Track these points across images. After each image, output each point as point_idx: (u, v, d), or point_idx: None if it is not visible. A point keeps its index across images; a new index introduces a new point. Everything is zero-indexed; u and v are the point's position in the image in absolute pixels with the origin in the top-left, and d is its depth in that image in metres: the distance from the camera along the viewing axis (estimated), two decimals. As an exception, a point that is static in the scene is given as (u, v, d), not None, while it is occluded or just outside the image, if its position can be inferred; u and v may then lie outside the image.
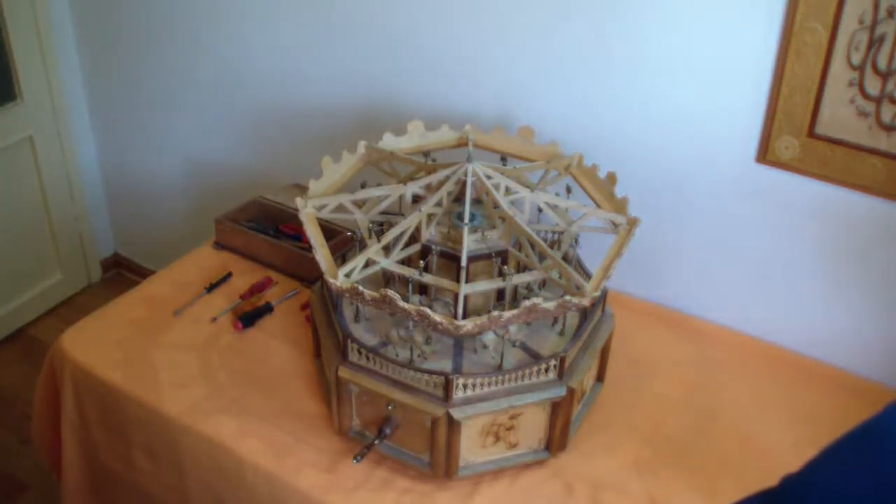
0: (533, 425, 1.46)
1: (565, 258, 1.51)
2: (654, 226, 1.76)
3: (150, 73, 2.57)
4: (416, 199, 1.57)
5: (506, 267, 1.46)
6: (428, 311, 1.30)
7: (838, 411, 1.67)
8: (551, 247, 1.51)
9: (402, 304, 1.31)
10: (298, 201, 1.51)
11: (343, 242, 1.86)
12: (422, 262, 1.45)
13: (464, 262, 1.40)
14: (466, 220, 1.47)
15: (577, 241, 1.57)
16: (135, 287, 1.95)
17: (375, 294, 1.32)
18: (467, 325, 1.30)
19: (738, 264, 1.83)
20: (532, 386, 1.42)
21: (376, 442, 1.44)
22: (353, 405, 1.48)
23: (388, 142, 1.70)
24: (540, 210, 1.58)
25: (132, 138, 2.77)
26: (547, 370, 1.42)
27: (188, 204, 2.75)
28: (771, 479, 1.51)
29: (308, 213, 1.49)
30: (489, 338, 1.49)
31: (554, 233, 1.58)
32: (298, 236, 2.00)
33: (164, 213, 2.84)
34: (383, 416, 1.44)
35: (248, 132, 2.46)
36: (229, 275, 1.95)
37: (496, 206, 1.47)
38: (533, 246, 1.45)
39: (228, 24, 2.31)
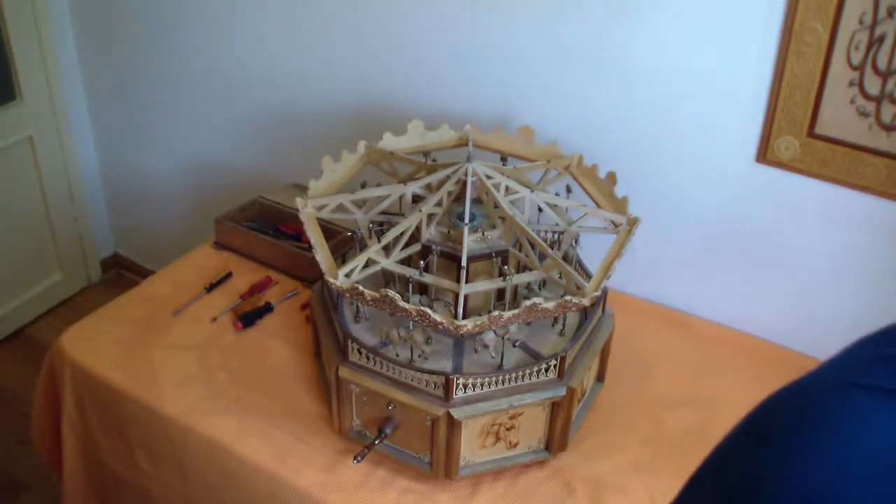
0: (533, 425, 1.46)
1: (565, 258, 1.51)
2: (655, 226, 1.76)
3: (150, 74, 2.57)
4: (416, 199, 1.57)
5: (506, 267, 1.46)
6: (428, 311, 1.30)
7: (838, 411, 1.66)
8: (551, 247, 1.51)
9: (402, 304, 1.31)
10: (298, 201, 1.51)
11: (343, 242, 1.86)
12: (422, 262, 1.45)
13: (464, 262, 1.40)
14: (466, 220, 1.47)
15: (577, 241, 1.57)
16: (135, 287, 1.95)
17: (375, 294, 1.32)
18: (467, 325, 1.30)
19: (739, 264, 1.83)
20: (532, 386, 1.42)
21: (376, 442, 1.44)
22: (353, 405, 1.48)
23: (388, 142, 1.70)
24: (540, 210, 1.58)
25: (132, 138, 2.77)
26: (547, 370, 1.42)
27: (188, 204, 2.75)
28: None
29: (308, 213, 1.49)
30: (489, 338, 1.49)
31: (554, 233, 1.58)
32: (298, 236, 2.00)
33: (164, 213, 2.84)
34: (383, 416, 1.44)
35: (248, 132, 2.46)
36: (229, 275, 1.95)
37: (496, 206, 1.47)
38: (533, 246, 1.45)
39: (228, 24, 2.31)
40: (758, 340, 1.84)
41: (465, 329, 1.31)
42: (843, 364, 0.82)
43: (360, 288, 1.32)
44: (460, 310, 1.35)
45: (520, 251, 1.47)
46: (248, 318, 1.81)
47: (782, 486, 0.70)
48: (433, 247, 1.46)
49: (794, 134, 1.63)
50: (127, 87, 2.66)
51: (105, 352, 1.73)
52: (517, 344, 1.51)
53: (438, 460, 1.43)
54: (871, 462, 0.67)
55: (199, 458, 1.59)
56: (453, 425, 1.39)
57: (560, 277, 1.41)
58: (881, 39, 1.49)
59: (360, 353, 1.43)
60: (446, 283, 1.41)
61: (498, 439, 1.45)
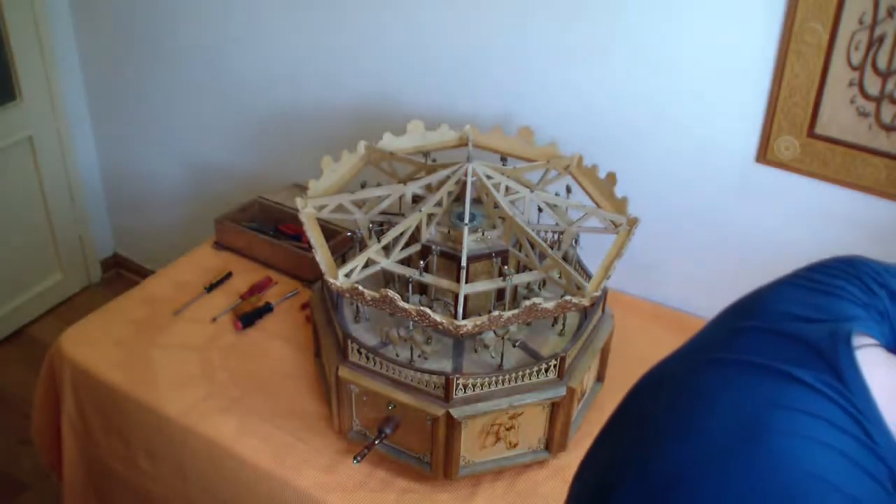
0: (533, 425, 1.46)
1: (565, 258, 1.51)
2: (654, 226, 1.76)
3: (150, 74, 2.57)
4: (416, 199, 1.57)
5: (506, 267, 1.46)
6: (428, 311, 1.30)
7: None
8: (551, 247, 1.51)
9: (402, 304, 1.31)
10: (298, 201, 1.51)
11: (343, 242, 1.86)
12: (422, 262, 1.45)
13: (464, 262, 1.40)
14: (466, 220, 1.47)
15: (577, 241, 1.57)
16: (135, 287, 1.95)
17: (375, 294, 1.32)
18: (467, 325, 1.30)
19: (739, 264, 1.83)
20: (532, 386, 1.42)
21: (376, 442, 1.44)
22: (353, 405, 1.48)
23: (388, 142, 1.70)
24: (540, 210, 1.58)
25: (132, 138, 2.77)
26: (547, 370, 1.42)
27: (188, 204, 2.75)
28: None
29: (308, 213, 1.49)
30: (489, 338, 1.49)
31: (554, 233, 1.58)
32: (298, 236, 2.00)
33: (164, 213, 2.84)
34: (383, 416, 1.44)
35: (248, 132, 2.46)
36: (229, 275, 1.95)
37: (496, 206, 1.47)
38: (533, 246, 1.45)
39: (228, 25, 2.31)
40: (758, 340, 1.84)
41: (465, 329, 1.31)
42: (704, 340, 0.82)
43: (360, 288, 1.32)
44: (460, 310, 1.35)
45: (520, 251, 1.47)
46: (248, 318, 1.81)
47: (646, 467, 0.70)
48: (433, 247, 1.46)
49: (794, 134, 1.63)
50: (127, 88, 2.66)
51: (105, 352, 1.73)
52: (517, 344, 1.51)
53: (438, 460, 1.43)
54: (726, 437, 0.67)
55: (199, 458, 1.59)
56: (453, 425, 1.39)
57: (560, 277, 1.41)
58: (881, 39, 1.49)
59: (360, 353, 1.43)
60: (446, 283, 1.41)
61: (498, 439, 1.45)
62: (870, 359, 0.72)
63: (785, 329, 0.75)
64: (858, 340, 0.73)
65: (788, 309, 0.79)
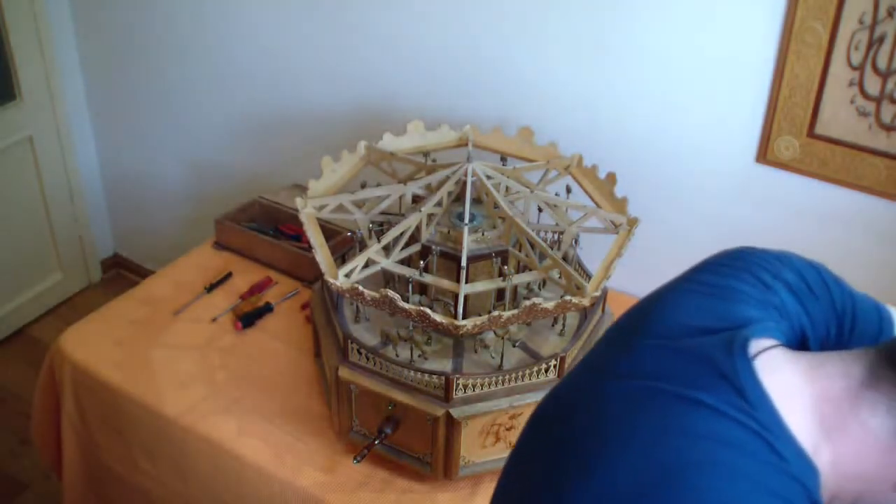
0: (533, 425, 1.46)
1: (565, 258, 1.51)
2: (654, 226, 1.76)
3: (150, 73, 2.57)
4: (416, 199, 1.57)
5: (506, 267, 1.46)
6: (428, 311, 1.30)
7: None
8: (551, 247, 1.51)
9: (402, 304, 1.31)
10: (298, 201, 1.51)
11: (343, 242, 1.86)
12: (422, 262, 1.45)
13: (464, 263, 1.40)
14: (466, 220, 1.47)
15: (577, 241, 1.57)
16: (135, 287, 1.95)
17: (375, 294, 1.32)
18: (467, 325, 1.30)
19: (738, 264, 1.83)
20: (532, 386, 1.42)
21: (376, 442, 1.44)
22: (353, 405, 1.48)
23: (388, 142, 1.70)
24: (540, 210, 1.58)
25: (132, 138, 2.77)
26: (547, 370, 1.42)
27: (188, 204, 2.75)
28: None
29: (308, 213, 1.49)
30: (489, 338, 1.49)
31: (554, 233, 1.58)
32: (298, 236, 2.00)
33: (164, 213, 2.84)
34: (383, 416, 1.44)
35: (248, 132, 2.46)
36: (229, 275, 1.95)
37: (496, 206, 1.47)
38: (533, 246, 1.45)
39: (229, 24, 2.31)
40: (758, 340, 1.84)
41: (465, 329, 1.31)
42: (605, 359, 0.78)
43: (360, 288, 1.32)
44: (460, 310, 1.35)
45: (520, 251, 1.47)
46: (248, 318, 1.81)
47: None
48: (433, 247, 1.46)
49: (794, 134, 1.63)
50: (127, 87, 2.66)
51: (105, 352, 1.73)
52: (517, 344, 1.51)
53: (438, 460, 1.43)
54: (636, 478, 0.65)
55: (198, 458, 1.59)
56: (453, 425, 1.39)
57: (560, 277, 1.41)
58: (881, 39, 1.49)
59: (360, 353, 1.43)
60: (446, 283, 1.41)
61: (498, 439, 1.45)
62: (769, 365, 0.70)
63: (684, 346, 0.72)
64: (757, 346, 0.71)
65: (686, 321, 0.76)
